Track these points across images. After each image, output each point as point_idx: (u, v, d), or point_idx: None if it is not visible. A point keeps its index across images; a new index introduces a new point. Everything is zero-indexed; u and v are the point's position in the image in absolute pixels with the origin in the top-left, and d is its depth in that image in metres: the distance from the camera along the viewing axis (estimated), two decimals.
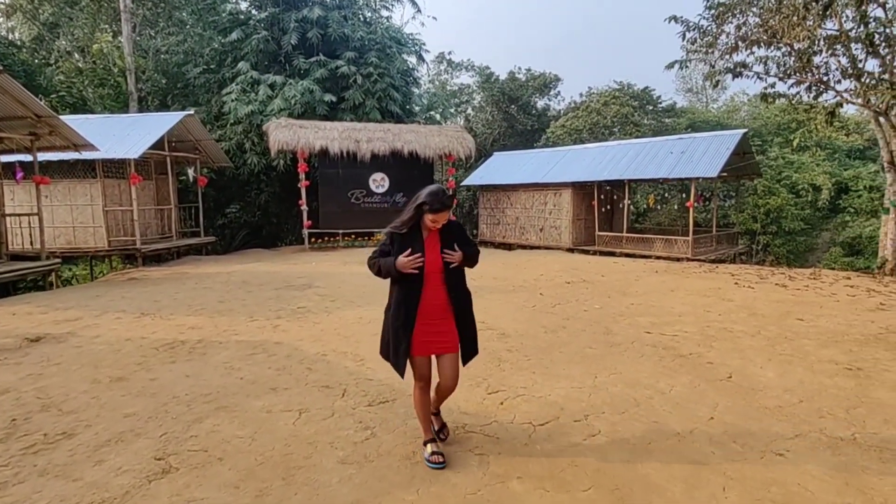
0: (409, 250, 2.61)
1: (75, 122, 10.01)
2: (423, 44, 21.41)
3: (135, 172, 11.42)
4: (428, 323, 2.68)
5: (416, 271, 2.62)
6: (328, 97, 16.49)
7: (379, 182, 15.50)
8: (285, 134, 14.11)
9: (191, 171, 13.87)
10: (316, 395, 3.68)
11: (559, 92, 33.58)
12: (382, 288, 8.04)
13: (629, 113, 27.11)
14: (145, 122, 12.38)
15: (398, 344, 2.67)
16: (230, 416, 3.29)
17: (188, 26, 20.27)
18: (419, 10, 23.23)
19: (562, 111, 32.36)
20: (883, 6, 10.26)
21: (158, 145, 12.12)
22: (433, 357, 2.79)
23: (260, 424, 3.19)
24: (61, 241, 11.62)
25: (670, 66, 12.74)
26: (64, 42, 19.87)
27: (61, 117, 9.34)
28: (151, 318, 5.97)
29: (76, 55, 19.88)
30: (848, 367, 4.30)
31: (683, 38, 11.91)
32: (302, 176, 14.51)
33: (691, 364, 4.36)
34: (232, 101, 16.04)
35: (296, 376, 4.05)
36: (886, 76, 10.75)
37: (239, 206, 19.62)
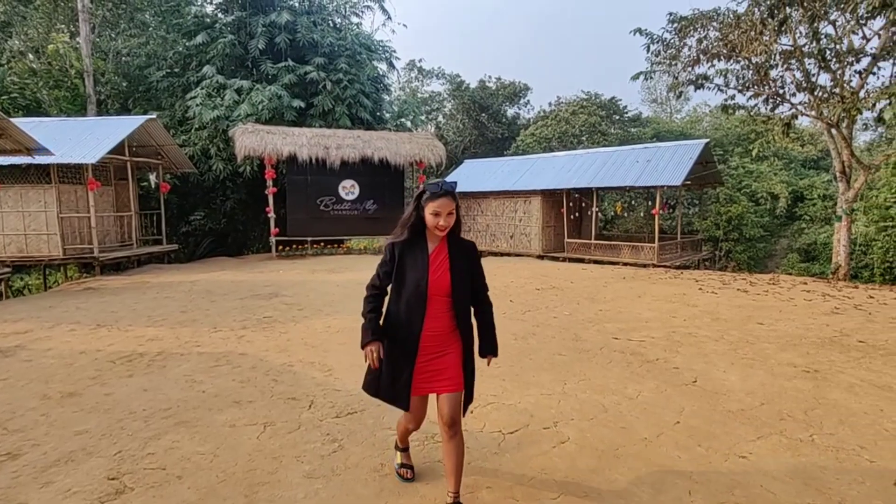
0: (412, 266, 2.27)
1: (28, 125, 9.58)
2: (394, 51, 21.40)
3: (92, 178, 10.99)
4: (426, 356, 2.31)
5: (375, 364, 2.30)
6: (297, 103, 16.27)
7: (349, 189, 15.35)
8: (252, 140, 13.85)
9: (153, 177, 13.48)
10: (282, 407, 3.57)
11: (528, 101, 34.11)
12: (352, 295, 7.92)
13: (597, 122, 27.70)
14: (104, 126, 11.95)
15: (398, 373, 2.30)
16: (191, 432, 3.16)
17: (151, 28, 19.73)
18: (389, 17, 23.15)
19: (531, 120, 32.85)
20: (833, 24, 10.78)
21: (118, 150, 11.72)
22: (424, 396, 2.44)
23: (222, 440, 3.07)
24: (12, 249, 11.08)
25: (636, 77, 13.08)
26: (17, 42, 19.05)
27: (13, 120, 8.92)
28: (108, 330, 5.72)
29: (30, 56, 19.08)
30: (805, 370, 4.45)
31: (648, 51, 12.26)
32: (269, 183, 14.25)
33: (658, 369, 4.43)
34: (197, 105, 15.66)
35: (261, 388, 3.93)
36: (837, 90, 11.29)
37: (203, 213, 19.12)
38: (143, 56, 18.78)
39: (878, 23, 10.65)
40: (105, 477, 2.63)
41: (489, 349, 2.44)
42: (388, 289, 2.36)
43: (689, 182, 15.23)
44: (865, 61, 10.65)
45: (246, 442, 3.05)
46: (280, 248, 14.63)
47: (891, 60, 11.08)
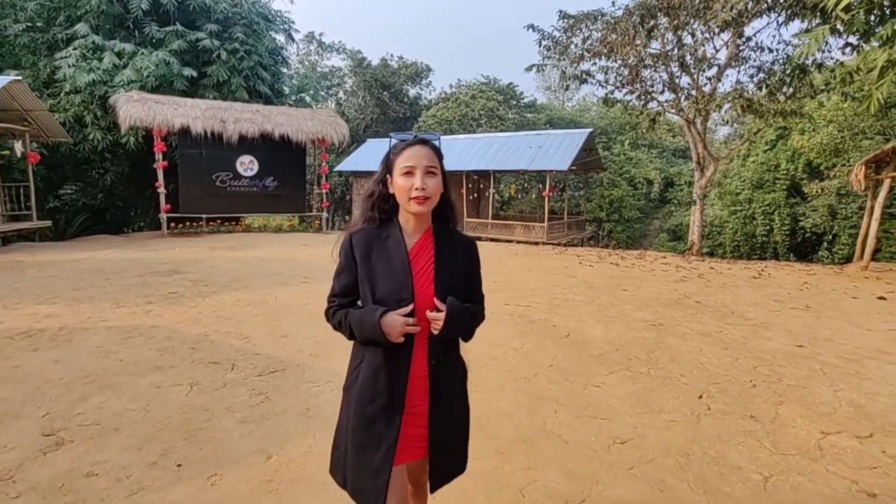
0: (385, 271, 1.47)
1: None
2: (293, 22, 20.73)
3: None
4: (411, 412, 1.51)
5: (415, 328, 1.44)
6: (188, 71, 15.32)
7: (247, 165, 14.89)
8: (138, 109, 12.93)
9: (18, 146, 12.07)
10: (204, 370, 3.82)
11: (430, 82, 34.66)
12: (259, 271, 8.34)
13: (495, 107, 28.94)
14: None
15: (376, 443, 1.45)
16: (117, 394, 3.34)
17: None
18: None
19: (433, 101, 33.41)
20: (692, 34, 12.48)
21: None
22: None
23: (151, 398, 3.29)
24: None
25: (529, 68, 14.08)
26: None
27: None
28: None
29: None
30: (653, 324, 5.51)
31: (540, 45, 13.26)
32: (159, 156, 13.42)
33: (539, 327, 5.24)
34: (69, 66, 14.17)
35: (180, 355, 4.12)
36: (694, 92, 13.11)
37: (76, 186, 17.40)
38: None
39: (727, 36, 12.52)
40: (40, 434, 2.79)
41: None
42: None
43: (574, 167, 16.74)
44: (715, 69, 12.48)
45: (175, 399, 3.30)
46: (172, 225, 13.91)
47: (736, 69, 13.11)
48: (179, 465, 2.54)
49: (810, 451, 2.83)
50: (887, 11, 7.41)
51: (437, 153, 1.51)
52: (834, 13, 6.96)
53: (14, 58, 16.25)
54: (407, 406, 1.49)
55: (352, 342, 1.57)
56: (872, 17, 7.55)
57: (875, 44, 7.44)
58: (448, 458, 1.59)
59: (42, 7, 16.06)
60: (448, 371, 1.57)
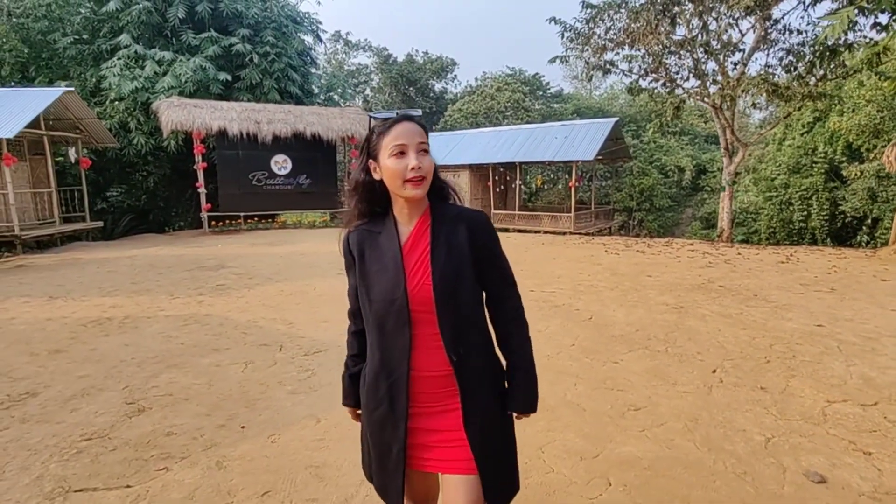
0: (378, 270, 1.35)
1: None
2: (320, 23, 21.25)
3: (8, 153, 10.55)
4: (420, 413, 1.37)
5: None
6: (223, 76, 16.01)
7: (281, 164, 15.49)
8: (179, 114, 13.64)
9: (72, 152, 12.94)
10: (256, 351, 4.25)
11: (455, 76, 34.76)
12: (297, 264, 8.88)
13: (520, 99, 28.94)
14: (17, 98, 11.37)
15: (387, 446, 1.38)
16: (183, 371, 3.78)
17: None
18: None
19: (458, 95, 33.60)
20: (717, 19, 12.34)
21: (34, 123, 11.24)
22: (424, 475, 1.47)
23: (212, 375, 3.72)
24: None
25: (552, 60, 14.17)
26: None
27: None
28: (64, 301, 5.99)
29: None
30: (674, 307, 5.69)
31: (562, 37, 13.34)
32: (199, 158, 14.12)
33: (563, 311, 5.49)
34: (114, 76, 15.00)
35: (233, 339, 4.56)
36: (720, 77, 12.97)
37: (122, 189, 18.40)
38: (45, 20, 17.47)
39: (753, 19, 12.34)
40: (123, 402, 3.24)
41: (521, 400, 1.43)
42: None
43: (600, 157, 16.75)
44: (741, 54, 12.33)
45: (233, 375, 3.72)
46: (212, 223, 14.62)
47: (765, 52, 12.90)
48: (243, 427, 2.94)
49: (814, 417, 3.04)
50: None
51: (425, 128, 1.36)
52: None
53: (63, 69, 17.28)
54: (430, 405, 1.36)
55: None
56: None
57: None
58: (495, 470, 1.36)
59: (87, 20, 17.02)
60: (476, 365, 1.36)
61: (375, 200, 1.39)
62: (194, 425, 2.95)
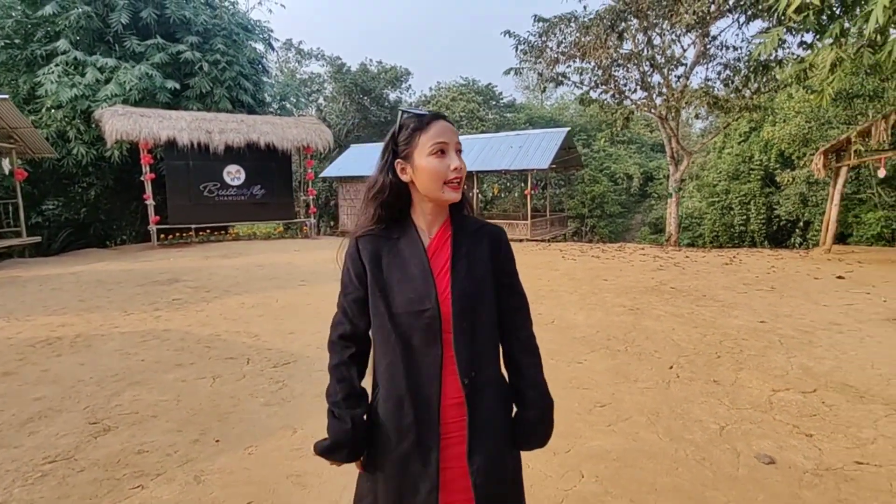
0: (401, 279, 1.21)
1: None
2: (272, 31, 20.95)
3: None
4: (448, 442, 1.21)
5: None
6: (171, 84, 15.50)
7: (234, 174, 15.11)
8: (124, 123, 13.10)
9: (5, 163, 12.18)
10: (223, 365, 4.17)
11: (410, 85, 34.95)
12: (255, 276, 8.76)
13: (475, 108, 29.43)
14: None
15: (413, 487, 1.19)
16: (147, 388, 3.67)
17: None
18: None
19: (413, 104, 33.78)
20: (661, 35, 13.06)
21: None
22: None
23: (179, 391, 3.63)
24: None
25: (507, 72, 14.57)
26: None
27: None
28: (6, 321, 5.65)
29: None
30: (630, 309, 5.96)
31: (517, 50, 13.74)
32: (146, 169, 13.59)
33: None
34: (52, 83, 14.26)
35: (197, 354, 4.45)
36: (665, 90, 13.71)
37: (59, 202, 17.44)
38: None
39: (694, 36, 13.14)
40: (86, 422, 3.12)
41: (535, 439, 1.32)
42: (371, 333, 1.27)
43: (554, 165, 17.26)
44: (683, 68, 13.08)
45: (202, 390, 3.65)
46: (161, 236, 14.07)
47: (704, 66, 13.74)
48: (218, 441, 2.89)
49: (762, 405, 3.29)
50: (837, 11, 8.00)
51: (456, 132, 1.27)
52: (786, 14, 7.51)
53: None
54: (443, 440, 1.19)
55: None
56: (823, 17, 8.13)
57: (828, 41, 8.01)
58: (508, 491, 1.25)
59: (19, 24, 16.11)
60: (489, 390, 1.23)
61: (399, 205, 1.26)
62: (166, 441, 2.89)
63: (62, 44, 14.89)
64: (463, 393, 1.19)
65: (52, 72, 14.41)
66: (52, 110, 14.57)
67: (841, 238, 16.29)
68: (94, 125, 14.26)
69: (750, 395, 3.45)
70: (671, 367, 4.01)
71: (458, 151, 1.22)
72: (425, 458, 1.18)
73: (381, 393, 1.24)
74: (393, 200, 1.25)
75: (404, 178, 1.24)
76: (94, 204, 17.18)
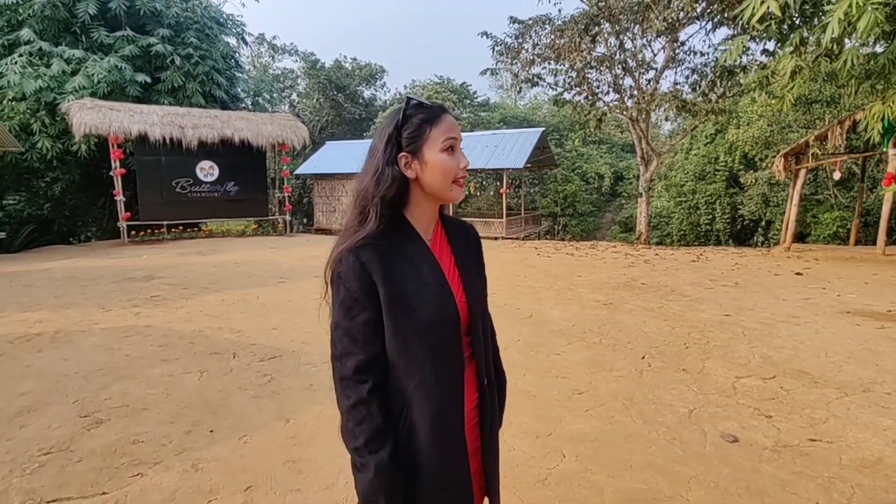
0: (418, 288, 1.11)
1: None
2: (244, 25, 20.66)
3: None
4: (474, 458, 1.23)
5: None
6: (141, 77, 15.17)
7: (207, 171, 14.90)
8: (93, 116, 12.78)
9: None
10: (209, 360, 4.21)
11: (385, 83, 34.91)
12: (233, 274, 8.90)
13: (449, 107, 29.54)
14: None
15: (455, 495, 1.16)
16: (135, 382, 3.70)
17: None
18: None
19: (388, 102, 33.74)
20: (632, 39, 13.46)
21: None
22: None
23: (168, 385, 3.67)
24: None
25: (483, 72, 14.77)
26: None
27: None
28: None
29: None
30: (604, 304, 6.21)
31: (493, 51, 13.95)
32: (116, 164, 13.29)
33: (504, 311, 5.84)
34: (14, 73, 13.78)
35: (181, 349, 4.48)
36: (636, 92, 14.12)
37: (20, 196, 16.89)
38: None
39: (664, 41, 13.58)
40: (77, 415, 3.15)
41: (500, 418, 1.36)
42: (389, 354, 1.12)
43: (529, 165, 17.55)
44: (653, 72, 13.52)
45: (190, 384, 3.69)
46: (132, 233, 13.78)
47: (673, 70, 14.21)
48: (212, 431, 2.97)
49: (726, 391, 3.54)
50: (797, 22, 8.44)
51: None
52: (750, 24, 7.90)
53: None
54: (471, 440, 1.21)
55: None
56: (784, 27, 8.57)
57: (788, 49, 8.44)
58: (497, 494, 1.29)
59: None
60: (492, 388, 1.25)
61: (400, 202, 1.15)
62: (160, 433, 2.94)
63: (25, 33, 14.41)
64: (477, 394, 1.20)
65: (16, 62, 13.93)
66: (15, 102, 14.08)
67: (800, 237, 17.08)
68: (59, 118, 13.85)
69: (716, 382, 3.70)
70: (643, 357, 4.24)
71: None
72: (463, 465, 1.17)
73: (412, 415, 1.11)
74: (397, 198, 1.14)
75: (408, 173, 1.12)
76: (58, 199, 16.69)
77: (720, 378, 3.77)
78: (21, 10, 14.87)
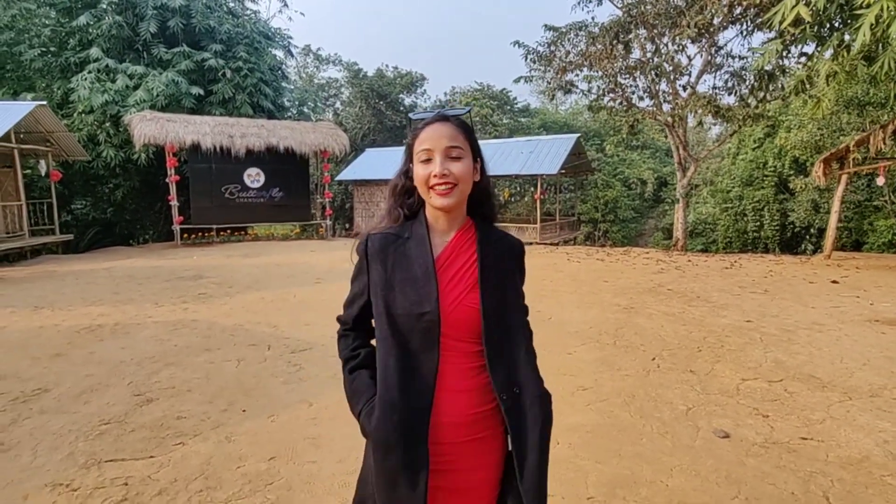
0: (404, 280, 1.20)
1: None
2: (291, 38, 21.66)
3: None
4: (444, 467, 1.18)
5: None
6: (195, 90, 16.21)
7: (254, 177, 15.74)
8: (151, 127, 13.78)
9: (42, 165, 12.93)
10: (246, 350, 4.63)
11: (425, 90, 35.45)
12: (274, 275, 9.47)
13: (488, 114, 29.80)
14: None
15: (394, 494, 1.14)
16: (181, 368, 4.14)
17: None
18: (286, 5, 23.29)
19: (428, 109, 34.23)
20: (667, 45, 13.36)
21: (5, 137, 11.25)
22: None
23: (208, 371, 4.10)
24: None
25: (517, 80, 14.96)
26: None
27: None
28: (51, 311, 6.20)
29: None
30: (625, 308, 6.31)
31: (526, 59, 14.14)
32: (171, 171, 14.26)
33: None
34: (85, 88, 15.04)
35: (223, 340, 4.92)
36: (671, 98, 13.98)
37: (87, 201, 18.30)
38: (9, 31, 17.33)
39: (701, 45, 13.40)
40: (131, 395, 3.60)
41: (528, 482, 1.20)
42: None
43: (564, 171, 17.58)
44: (688, 77, 13.36)
45: (228, 371, 4.11)
46: (185, 235, 14.72)
47: (712, 75, 13.99)
48: (244, 410, 3.34)
49: (728, 391, 3.64)
50: (836, 24, 8.25)
51: (465, 129, 1.24)
52: (783, 27, 7.79)
53: (28, 81, 17.18)
54: (438, 463, 1.15)
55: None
56: (824, 29, 8.38)
57: (827, 53, 8.25)
58: None
59: (55, 32, 16.99)
60: (533, 409, 1.22)
61: (410, 204, 1.30)
62: (200, 411, 3.34)
63: (94, 52, 15.69)
64: (490, 407, 1.19)
65: (86, 78, 15.20)
66: (84, 115, 15.35)
67: (856, 245, 16.35)
68: (122, 129, 14.98)
69: (721, 383, 3.80)
70: (653, 359, 4.37)
71: (454, 157, 1.19)
72: (413, 479, 1.11)
73: (377, 397, 1.18)
74: (405, 199, 1.30)
75: (410, 183, 1.29)
76: (120, 204, 17.98)
77: (726, 380, 3.87)
78: (91, 31, 16.20)
